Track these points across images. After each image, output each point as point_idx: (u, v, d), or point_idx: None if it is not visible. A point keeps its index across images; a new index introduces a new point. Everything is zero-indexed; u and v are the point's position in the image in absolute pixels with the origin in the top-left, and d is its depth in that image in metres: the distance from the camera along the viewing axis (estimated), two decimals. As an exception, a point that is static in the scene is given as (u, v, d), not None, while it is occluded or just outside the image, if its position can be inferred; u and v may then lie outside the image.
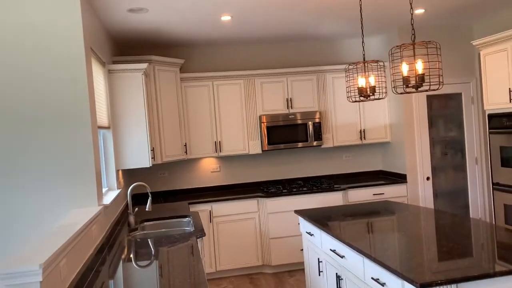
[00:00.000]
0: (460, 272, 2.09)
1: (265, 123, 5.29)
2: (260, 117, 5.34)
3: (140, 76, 4.15)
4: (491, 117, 4.54)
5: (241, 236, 5.08)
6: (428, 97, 5.41)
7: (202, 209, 4.97)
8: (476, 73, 5.49)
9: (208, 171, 5.63)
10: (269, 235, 5.07)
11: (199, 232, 3.35)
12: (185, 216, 4.07)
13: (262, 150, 5.38)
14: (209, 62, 5.63)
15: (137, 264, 2.64)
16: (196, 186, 5.60)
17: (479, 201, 5.54)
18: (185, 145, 5.20)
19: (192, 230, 3.55)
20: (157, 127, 4.83)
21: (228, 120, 5.33)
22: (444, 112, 5.51)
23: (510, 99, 4.24)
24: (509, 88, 4.25)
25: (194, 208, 4.94)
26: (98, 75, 3.63)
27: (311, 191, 5.13)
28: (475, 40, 4.63)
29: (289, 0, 3.81)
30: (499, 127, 4.42)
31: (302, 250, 5.05)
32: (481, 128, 5.51)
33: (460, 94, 5.51)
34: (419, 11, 4.55)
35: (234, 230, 5.06)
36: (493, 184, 4.56)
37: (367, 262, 2.55)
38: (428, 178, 5.40)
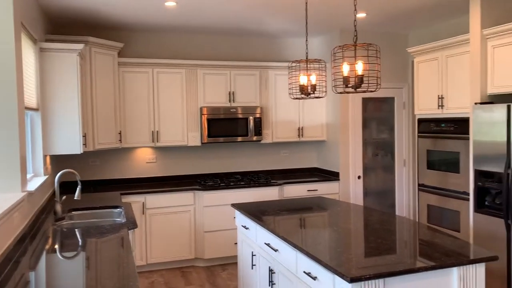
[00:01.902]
0: (387, 267, 2.18)
1: (205, 115, 5.22)
2: (201, 108, 5.26)
3: (75, 57, 3.91)
4: (420, 121, 4.81)
5: (174, 229, 4.98)
6: (364, 99, 5.63)
7: (135, 200, 4.81)
8: (408, 80, 5.79)
9: (144, 161, 5.46)
10: (203, 228, 5.02)
11: (131, 223, 3.23)
12: (116, 207, 3.91)
13: (202, 143, 5.31)
14: (151, 49, 5.45)
15: (62, 255, 2.49)
16: (130, 177, 5.41)
17: (405, 201, 5.87)
18: (120, 133, 5.00)
19: (123, 221, 3.41)
20: (91, 112, 4.60)
21: (167, 109, 5.20)
22: (378, 115, 5.76)
23: (438, 106, 4.52)
24: (438, 95, 4.52)
25: (126, 199, 4.77)
26: (28, 52, 3.37)
27: (248, 185, 5.15)
28: (410, 48, 4.88)
29: (236, -8, 3.77)
30: (427, 132, 4.70)
31: (236, 243, 5.06)
32: (411, 131, 5.83)
33: (393, 99, 5.78)
34: (361, 15, 4.71)
35: (167, 223, 4.95)
36: (418, 185, 4.84)
37: (300, 256, 2.60)
38: (359, 177, 5.62)
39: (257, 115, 5.41)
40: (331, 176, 5.70)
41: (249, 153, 5.88)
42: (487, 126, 3.62)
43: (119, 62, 4.97)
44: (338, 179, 5.54)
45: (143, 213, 4.84)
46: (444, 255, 2.35)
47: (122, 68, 5.01)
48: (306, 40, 3.34)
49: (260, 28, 5.27)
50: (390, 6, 4.40)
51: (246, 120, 5.36)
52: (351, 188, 5.59)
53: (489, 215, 3.65)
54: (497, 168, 3.54)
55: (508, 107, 3.43)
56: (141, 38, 5.42)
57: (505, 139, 3.46)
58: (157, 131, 5.16)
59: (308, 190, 5.41)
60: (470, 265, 2.28)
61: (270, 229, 3.01)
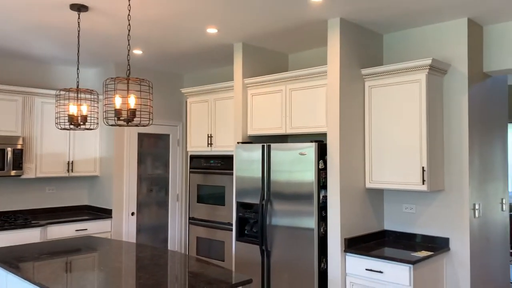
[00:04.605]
0: (154, 301, 2.17)
1: None
2: None
3: None
4: (192, 158, 5.09)
5: None
6: (140, 135, 5.64)
7: None
8: (183, 118, 6.11)
9: None
10: None
11: None
12: None
13: None
14: None
15: None
16: None
17: (177, 235, 6.03)
18: None
19: None
20: None
21: None
22: (153, 151, 5.85)
23: (208, 144, 4.89)
24: (208, 134, 4.90)
25: None
26: None
27: (1, 227, 4.42)
28: (184, 89, 5.19)
29: (-5, 6, 3.33)
30: (198, 167, 5.00)
31: (-19, 299, 4.22)
32: (184, 167, 6.10)
33: (168, 135, 5.98)
34: (137, 51, 4.77)
35: None
36: (189, 218, 5.06)
37: (60, 302, 2.35)
38: (133, 213, 5.52)
39: (18, 147, 4.77)
40: (103, 213, 5.42)
41: (6, 190, 5.09)
42: (247, 163, 4.10)
43: None
44: (111, 217, 5.31)
45: None
46: (207, 284, 2.49)
47: None
48: (78, 69, 3.17)
49: (28, 50, 4.75)
50: (164, 47, 4.61)
51: (3, 151, 4.65)
52: (124, 226, 5.42)
53: (248, 243, 4.08)
54: (255, 200, 4.01)
55: (263, 147, 3.98)
56: None
57: (260, 174, 3.98)
58: None
59: (77, 230, 5.00)
60: (229, 290, 2.48)
61: (26, 277, 2.64)
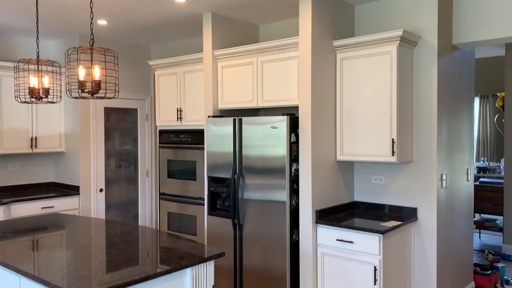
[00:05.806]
0: (124, 278, 2.13)
1: None
2: None
3: None
4: (162, 132, 4.99)
5: None
6: (106, 109, 5.46)
7: None
8: (151, 92, 5.94)
9: None
10: None
11: None
12: None
13: None
14: None
15: None
16: None
17: (147, 210, 5.95)
18: None
19: None
20: None
21: None
22: (121, 126, 5.69)
23: (178, 118, 4.79)
24: (177, 108, 4.79)
25: None
26: None
27: (-39, 206, 4.24)
28: (151, 61, 5.02)
29: None
30: (167, 142, 4.90)
31: None
32: (153, 142, 5.98)
33: (136, 110, 5.82)
34: (101, 21, 4.56)
35: None
36: (160, 194, 4.99)
37: (25, 281, 2.27)
38: (101, 190, 5.40)
39: (-24, 122, 4.53)
40: (71, 190, 5.28)
41: (-36, 167, 4.86)
42: (218, 137, 4.04)
43: None
44: (78, 194, 5.17)
45: None
46: (179, 258, 2.46)
47: None
48: (37, 39, 3.00)
49: (-20, 19, 4.46)
50: (129, 17, 4.42)
51: (-41, 127, 4.42)
52: (92, 202, 5.30)
53: (220, 217, 4.06)
54: (226, 174, 3.98)
55: (234, 120, 3.92)
56: None
57: (232, 149, 3.93)
58: None
59: (43, 208, 4.85)
60: (201, 264, 2.46)
61: (-12, 256, 2.53)
